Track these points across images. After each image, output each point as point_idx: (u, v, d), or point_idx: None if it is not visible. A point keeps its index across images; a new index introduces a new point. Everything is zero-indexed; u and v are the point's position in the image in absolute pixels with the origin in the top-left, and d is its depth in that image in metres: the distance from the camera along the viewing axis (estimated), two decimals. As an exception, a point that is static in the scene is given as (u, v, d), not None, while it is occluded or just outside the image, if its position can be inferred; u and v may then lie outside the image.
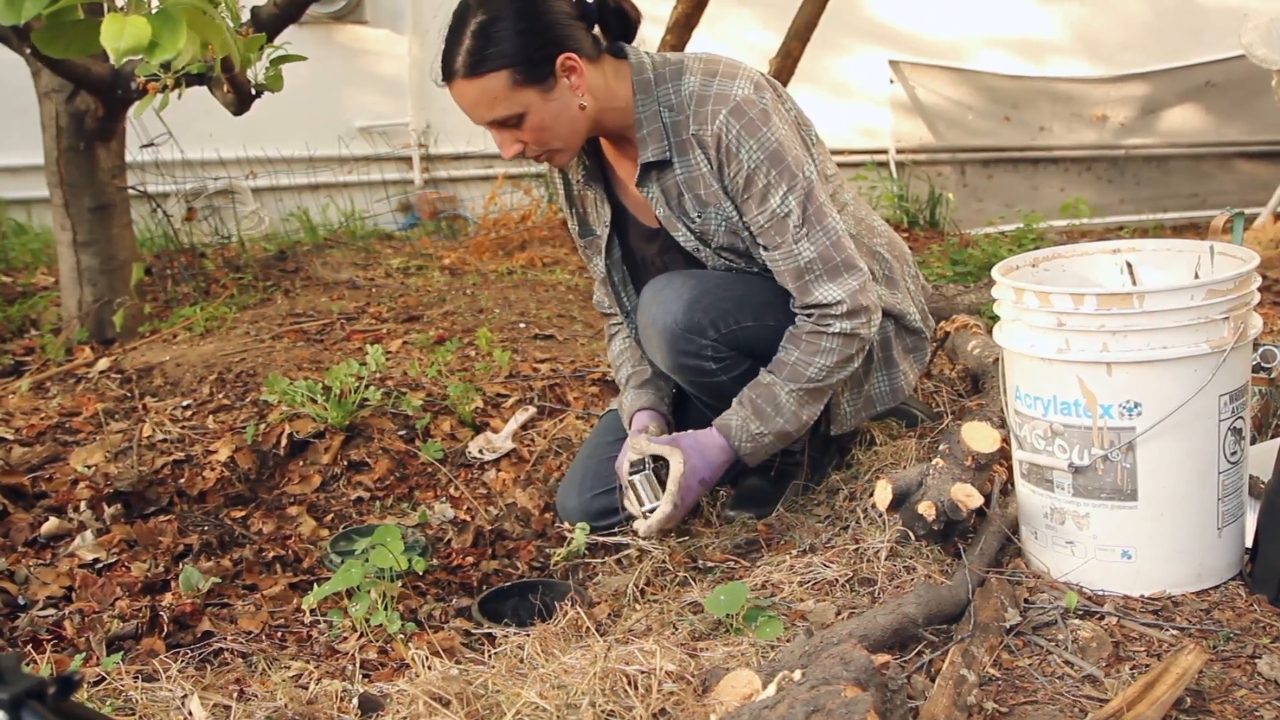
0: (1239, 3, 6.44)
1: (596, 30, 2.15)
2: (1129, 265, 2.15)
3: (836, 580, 2.01)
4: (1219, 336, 1.84)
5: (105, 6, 1.35)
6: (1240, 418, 1.92)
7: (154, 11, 1.33)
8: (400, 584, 2.06)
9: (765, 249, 2.16)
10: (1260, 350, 2.38)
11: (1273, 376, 2.42)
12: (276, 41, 2.97)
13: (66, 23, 1.34)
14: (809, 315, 2.16)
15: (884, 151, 6.32)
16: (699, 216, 2.20)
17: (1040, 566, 2.00)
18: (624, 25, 2.19)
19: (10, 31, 3.09)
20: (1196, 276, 2.06)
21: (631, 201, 2.33)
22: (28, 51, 3.20)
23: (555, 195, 2.47)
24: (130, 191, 3.81)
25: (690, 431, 2.22)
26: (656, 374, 2.44)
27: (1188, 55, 6.48)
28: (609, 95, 2.14)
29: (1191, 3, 6.56)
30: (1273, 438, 2.39)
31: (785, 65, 4.86)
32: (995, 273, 2.04)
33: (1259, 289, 1.91)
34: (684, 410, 2.48)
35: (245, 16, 2.98)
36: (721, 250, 2.22)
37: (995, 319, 2.06)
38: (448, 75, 2.06)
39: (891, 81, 6.29)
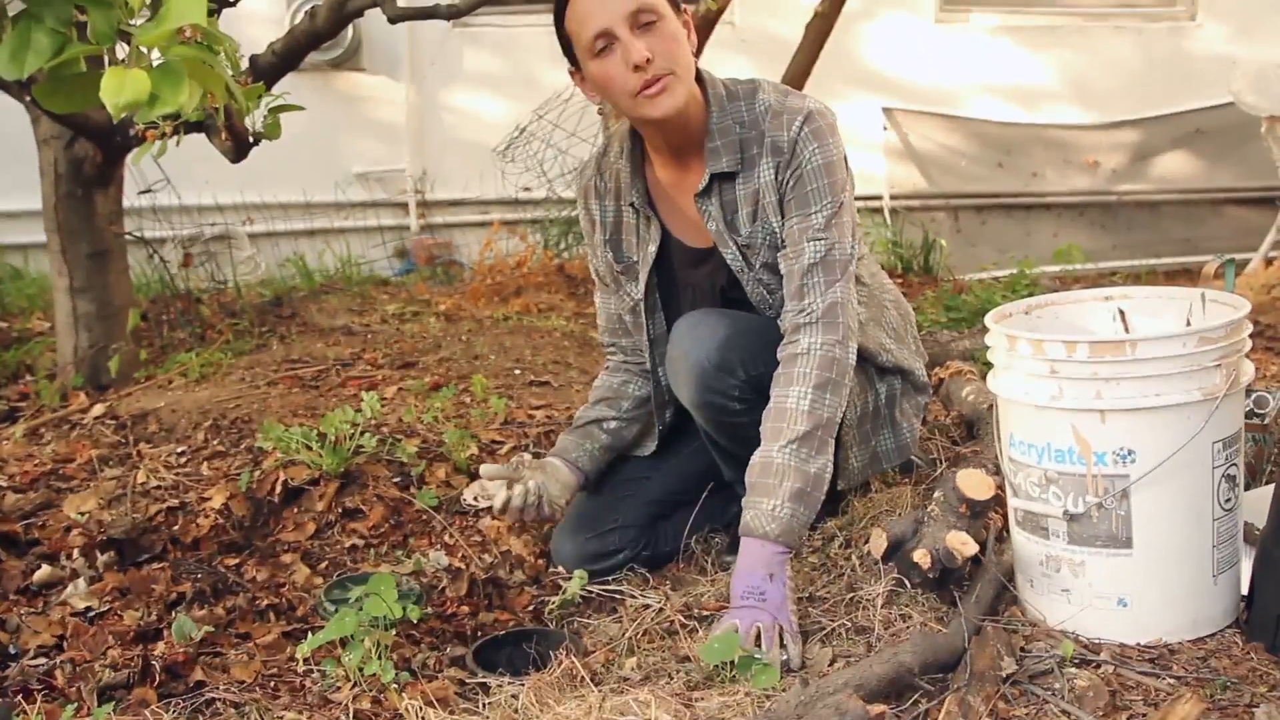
0: (1227, 51, 6.50)
1: None
2: (1121, 313, 2.16)
3: (833, 629, 2.01)
4: (1211, 384, 1.85)
5: (105, 59, 1.36)
6: (1234, 464, 1.92)
7: (155, 64, 1.34)
8: (394, 633, 2.05)
9: (785, 253, 2.21)
10: (1253, 396, 2.38)
11: (1266, 422, 2.43)
12: (275, 89, 3.00)
13: (67, 76, 1.35)
14: (788, 333, 2.17)
15: (878, 198, 6.36)
16: (747, 231, 2.25)
17: (1036, 614, 2.00)
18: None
19: (12, 82, 3.11)
20: (1189, 324, 2.07)
21: (679, 225, 2.36)
22: (27, 99, 3.22)
23: (583, 225, 2.48)
24: (127, 237, 3.82)
25: (732, 572, 2.10)
26: (597, 425, 2.49)
27: (1178, 102, 6.53)
28: (694, 96, 2.21)
29: (1181, 51, 6.62)
30: (1267, 484, 2.39)
31: (779, 112, 4.89)
32: (988, 320, 2.05)
33: (1251, 334, 1.92)
34: (674, 439, 2.52)
35: (244, 64, 3.01)
36: (763, 269, 2.26)
37: (989, 365, 2.07)
38: None
39: (885, 128, 6.33)
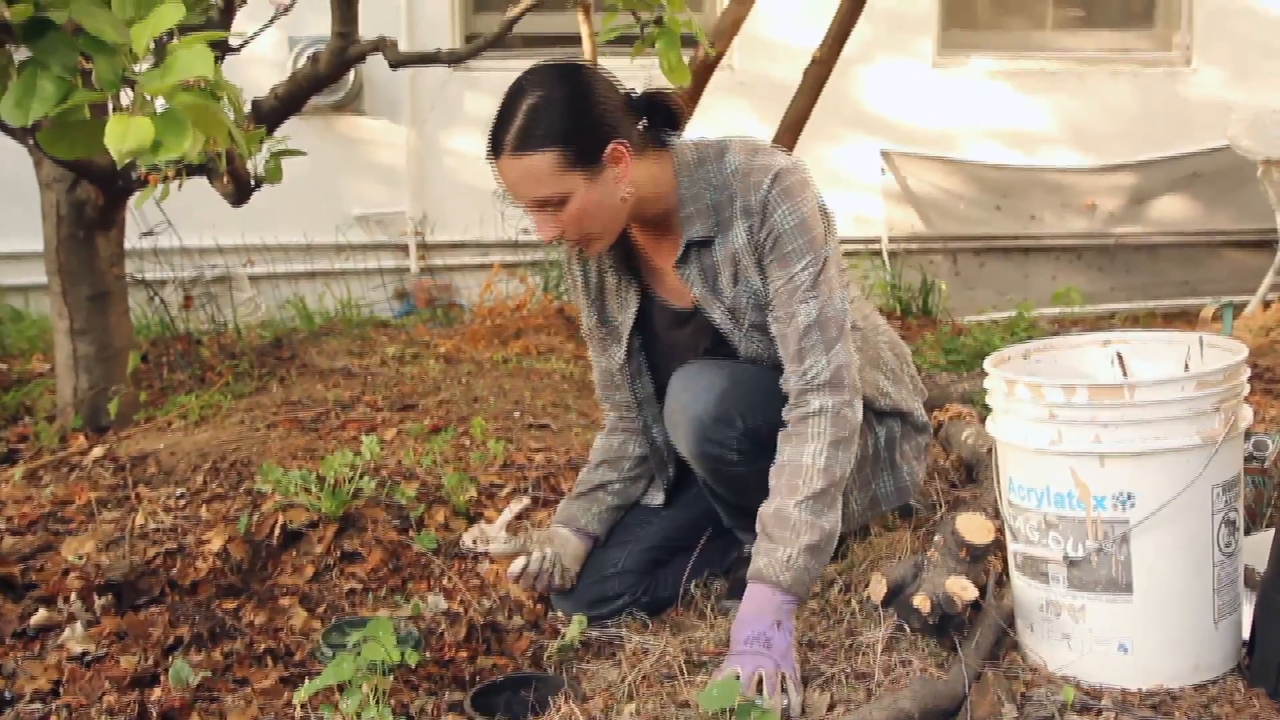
0: (1223, 96, 6.55)
1: (643, 123, 2.18)
2: (1120, 356, 2.17)
3: (832, 674, 2.00)
4: (1210, 428, 1.85)
5: (109, 106, 1.38)
6: (1233, 509, 1.92)
7: (159, 111, 1.35)
8: (392, 678, 2.04)
9: (775, 316, 2.18)
10: (1252, 440, 2.38)
11: (1265, 466, 2.43)
12: (277, 133, 3.02)
13: (72, 123, 1.37)
14: (794, 396, 2.16)
15: (877, 240, 6.37)
16: (731, 293, 2.23)
17: (1037, 660, 1.99)
18: (670, 117, 2.24)
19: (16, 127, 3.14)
20: (1187, 368, 2.07)
21: (661, 286, 2.35)
22: (30, 143, 3.24)
23: (569, 286, 2.48)
24: (128, 279, 3.83)
25: (735, 618, 2.09)
26: (601, 487, 2.49)
27: (1175, 146, 6.56)
28: (652, 184, 2.18)
29: (1177, 95, 6.66)
30: (1267, 528, 2.39)
31: (778, 156, 4.91)
32: (987, 364, 2.05)
33: (1250, 377, 1.93)
34: (673, 486, 2.52)
35: (246, 109, 3.03)
36: (752, 329, 2.25)
37: (988, 408, 2.08)
38: (495, 150, 2.10)
39: (883, 171, 6.36)
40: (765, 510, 2.10)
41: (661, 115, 2.22)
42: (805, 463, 2.09)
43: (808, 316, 2.14)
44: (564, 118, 2.05)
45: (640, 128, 2.17)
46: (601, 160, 2.08)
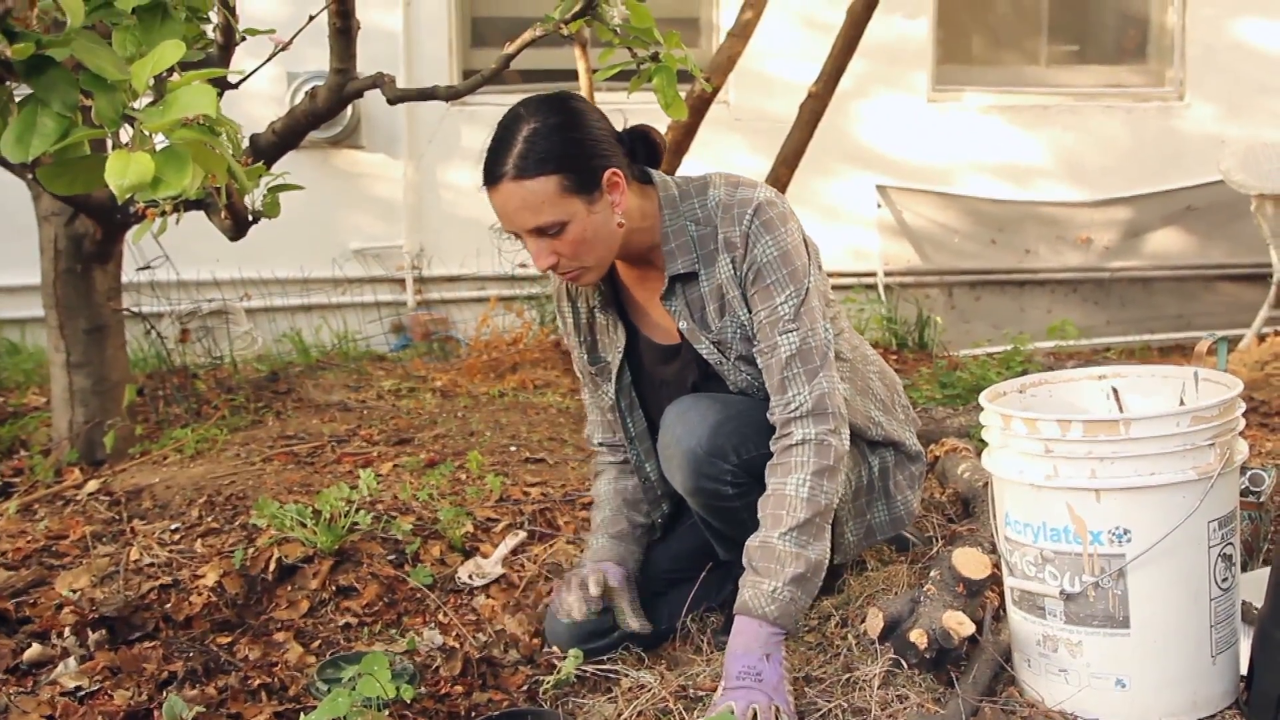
0: (1217, 130, 6.60)
1: (628, 158, 2.21)
2: (1115, 391, 2.17)
3: (829, 709, 1.99)
4: (1206, 463, 1.85)
5: (109, 142, 1.39)
6: (1230, 543, 1.92)
7: (159, 147, 1.36)
8: (388, 713, 2.03)
9: (759, 349, 2.19)
10: (1248, 474, 2.39)
11: (1261, 500, 2.43)
12: (274, 168, 3.02)
13: (72, 159, 1.37)
14: (779, 428, 2.16)
15: (872, 274, 6.40)
16: (717, 326, 2.24)
17: (1034, 695, 1.98)
18: (651, 151, 2.27)
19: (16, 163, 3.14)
20: (1182, 403, 2.08)
21: (647, 323, 2.36)
22: (30, 178, 3.25)
23: (560, 326, 2.48)
24: (125, 312, 3.83)
25: (727, 651, 2.08)
26: (632, 530, 2.46)
27: (1168, 180, 6.61)
28: (639, 216, 2.20)
29: (1171, 130, 6.71)
30: (1264, 563, 2.39)
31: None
32: (983, 399, 2.06)
33: (1245, 411, 1.93)
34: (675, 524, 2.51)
35: (244, 144, 3.04)
36: (740, 361, 2.25)
37: (985, 442, 2.08)
38: (494, 178, 2.10)
39: (879, 206, 6.40)
40: (751, 543, 2.10)
41: (645, 150, 2.26)
42: (789, 493, 2.09)
43: (789, 348, 2.15)
44: (563, 143, 2.07)
45: (627, 161, 2.19)
46: (600, 186, 2.10)
